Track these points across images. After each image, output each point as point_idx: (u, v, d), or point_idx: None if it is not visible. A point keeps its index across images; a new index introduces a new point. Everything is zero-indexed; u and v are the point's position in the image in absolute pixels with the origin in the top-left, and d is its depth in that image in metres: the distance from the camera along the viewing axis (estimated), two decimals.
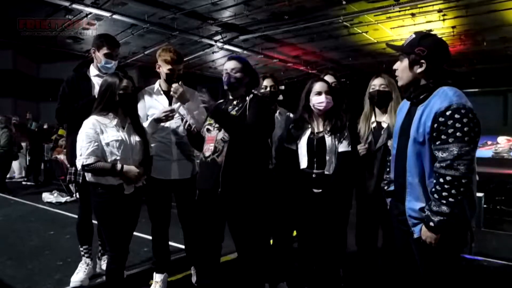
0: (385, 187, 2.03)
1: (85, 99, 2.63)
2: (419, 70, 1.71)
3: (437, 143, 1.60)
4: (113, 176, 2.21)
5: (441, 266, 1.72)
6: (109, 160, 2.21)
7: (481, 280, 3.14)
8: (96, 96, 2.36)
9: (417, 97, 1.74)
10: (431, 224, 1.61)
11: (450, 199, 1.56)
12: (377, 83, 2.55)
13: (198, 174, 2.46)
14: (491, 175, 8.05)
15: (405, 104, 1.93)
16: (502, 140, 12.51)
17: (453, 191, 1.56)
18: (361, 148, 2.52)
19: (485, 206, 5.29)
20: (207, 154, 2.27)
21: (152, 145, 2.58)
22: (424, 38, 1.72)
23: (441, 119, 1.58)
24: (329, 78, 2.69)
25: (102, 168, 2.17)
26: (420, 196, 1.69)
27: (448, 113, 1.57)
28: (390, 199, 2.02)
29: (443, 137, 1.58)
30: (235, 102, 2.33)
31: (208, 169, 2.25)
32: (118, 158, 2.22)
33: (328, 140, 2.40)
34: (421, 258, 1.77)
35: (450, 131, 1.56)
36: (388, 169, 2.05)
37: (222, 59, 11.12)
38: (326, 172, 2.39)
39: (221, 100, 2.45)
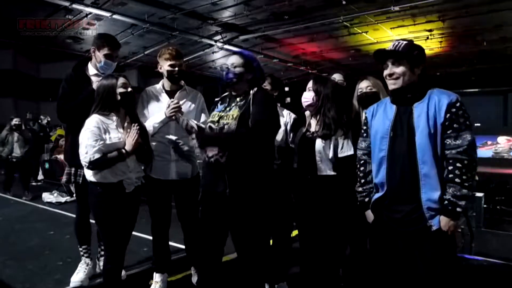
0: (366, 199, 2.01)
1: (84, 92, 2.61)
2: (418, 72, 1.84)
3: (448, 131, 1.75)
4: (123, 161, 2.25)
5: (453, 257, 1.82)
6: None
7: (481, 280, 3.14)
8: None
9: (415, 96, 1.84)
10: (458, 209, 1.71)
11: (470, 182, 1.72)
12: (363, 86, 2.53)
13: (202, 175, 2.37)
14: (491, 175, 8.05)
15: (381, 107, 1.96)
16: (502, 140, 12.52)
17: (469, 174, 1.72)
18: None
19: (485, 206, 5.27)
20: (210, 154, 2.16)
21: (152, 144, 2.56)
22: (412, 44, 1.87)
23: (453, 109, 1.75)
24: (336, 76, 2.80)
25: (112, 158, 2.21)
26: (437, 186, 1.77)
27: (457, 104, 1.76)
28: (377, 208, 1.96)
29: (455, 125, 1.74)
30: (238, 99, 2.23)
31: (212, 170, 2.17)
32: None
33: (318, 140, 2.32)
34: (435, 252, 1.79)
35: (461, 120, 1.74)
36: (363, 181, 2.03)
37: (222, 59, 11.13)
38: (318, 173, 2.32)
39: (219, 98, 2.36)
